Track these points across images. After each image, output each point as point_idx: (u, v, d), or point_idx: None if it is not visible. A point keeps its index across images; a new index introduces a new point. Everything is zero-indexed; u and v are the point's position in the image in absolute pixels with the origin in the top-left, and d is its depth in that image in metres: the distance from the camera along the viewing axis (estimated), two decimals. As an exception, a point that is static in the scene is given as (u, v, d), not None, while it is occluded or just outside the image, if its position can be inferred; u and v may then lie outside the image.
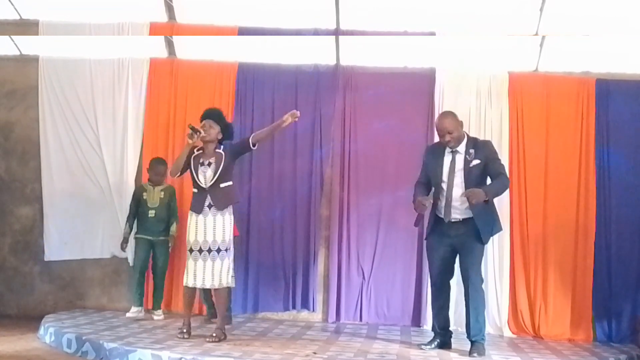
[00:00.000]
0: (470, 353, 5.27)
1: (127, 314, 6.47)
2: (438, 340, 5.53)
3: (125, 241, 6.68)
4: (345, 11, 6.90)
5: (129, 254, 6.92)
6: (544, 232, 6.70)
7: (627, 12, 6.63)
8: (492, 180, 5.34)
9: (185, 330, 5.53)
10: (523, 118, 6.82)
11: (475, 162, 5.34)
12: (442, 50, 7.03)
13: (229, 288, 5.61)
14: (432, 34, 6.89)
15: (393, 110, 6.91)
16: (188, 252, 5.54)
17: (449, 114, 5.57)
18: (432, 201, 5.44)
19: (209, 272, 5.46)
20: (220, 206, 5.49)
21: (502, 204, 6.68)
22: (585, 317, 6.57)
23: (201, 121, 5.63)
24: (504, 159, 6.73)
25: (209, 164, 5.55)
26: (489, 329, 6.43)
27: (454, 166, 5.38)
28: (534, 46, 6.92)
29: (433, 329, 5.67)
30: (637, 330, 6.40)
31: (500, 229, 5.60)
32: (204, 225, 5.49)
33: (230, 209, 5.57)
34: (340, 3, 6.82)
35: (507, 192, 6.62)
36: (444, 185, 5.40)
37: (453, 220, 5.37)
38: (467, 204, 5.26)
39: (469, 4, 6.80)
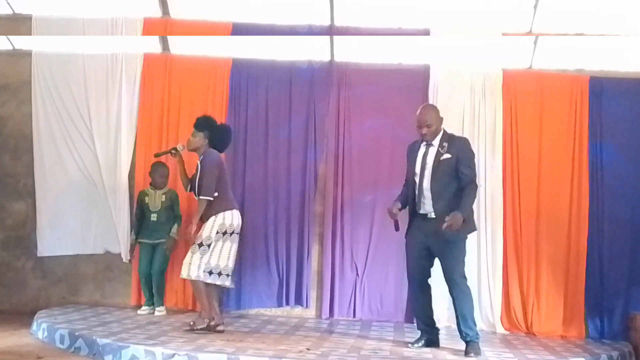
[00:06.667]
0: (466, 353, 5.23)
1: (138, 311, 6.64)
2: (425, 339, 5.51)
3: (132, 249, 6.83)
4: (340, 7, 6.89)
5: (123, 251, 6.95)
6: (537, 229, 6.72)
7: (621, 10, 6.64)
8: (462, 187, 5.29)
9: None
10: (517, 115, 6.82)
11: (446, 156, 5.33)
12: (436, 48, 7.02)
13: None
14: (427, 32, 6.89)
15: (387, 107, 6.91)
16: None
17: (432, 107, 5.60)
18: (400, 207, 5.44)
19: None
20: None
21: (494, 200, 6.74)
22: (577, 314, 6.59)
23: None
24: (498, 156, 6.79)
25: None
26: (481, 326, 6.45)
27: (426, 159, 5.40)
28: (528, 43, 6.93)
29: (418, 327, 5.65)
30: (629, 327, 6.43)
31: (473, 228, 5.47)
32: None
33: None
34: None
35: (500, 188, 6.74)
36: (416, 178, 5.42)
37: (429, 216, 5.36)
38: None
39: (463, 1, 6.80)
